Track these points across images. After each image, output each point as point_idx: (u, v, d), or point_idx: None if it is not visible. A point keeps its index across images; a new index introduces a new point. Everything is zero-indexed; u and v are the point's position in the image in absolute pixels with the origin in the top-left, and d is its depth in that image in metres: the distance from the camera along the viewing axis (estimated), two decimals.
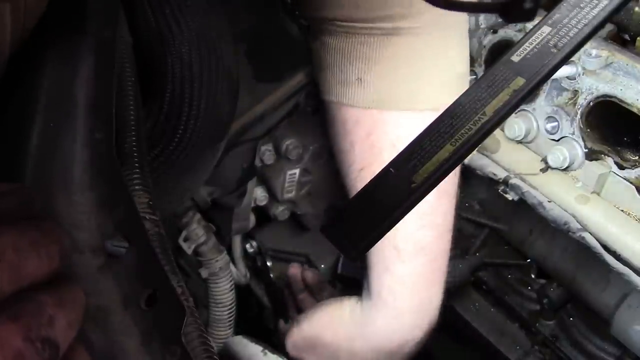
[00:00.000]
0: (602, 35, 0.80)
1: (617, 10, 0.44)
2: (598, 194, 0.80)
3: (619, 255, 0.76)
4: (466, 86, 0.76)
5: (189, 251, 0.97)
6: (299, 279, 1.10)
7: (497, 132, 0.87)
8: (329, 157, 0.98)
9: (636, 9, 0.78)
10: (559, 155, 0.80)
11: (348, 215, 0.48)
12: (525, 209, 0.86)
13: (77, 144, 0.47)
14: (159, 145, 0.68)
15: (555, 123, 0.82)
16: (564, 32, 0.45)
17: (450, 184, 0.83)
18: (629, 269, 0.75)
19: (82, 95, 0.49)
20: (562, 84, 0.79)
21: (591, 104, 0.77)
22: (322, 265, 1.12)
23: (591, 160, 0.79)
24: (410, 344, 0.86)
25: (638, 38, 0.78)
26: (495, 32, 0.88)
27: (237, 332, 1.02)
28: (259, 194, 1.02)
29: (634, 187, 0.76)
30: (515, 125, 0.85)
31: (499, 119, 0.45)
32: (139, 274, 0.46)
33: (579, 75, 0.77)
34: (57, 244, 0.38)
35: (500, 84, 0.46)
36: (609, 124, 0.79)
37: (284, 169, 0.99)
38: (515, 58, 0.46)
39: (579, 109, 0.78)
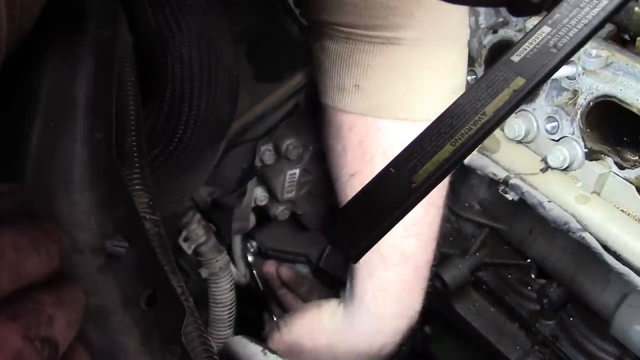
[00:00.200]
0: (602, 35, 0.79)
1: (617, 10, 0.44)
2: (598, 194, 0.80)
3: (619, 255, 0.76)
4: None
5: (189, 251, 0.97)
6: (274, 276, 1.11)
7: (497, 132, 0.87)
8: None
9: (636, 9, 0.78)
10: (559, 155, 0.80)
11: (348, 216, 0.48)
12: (525, 209, 0.86)
13: (77, 144, 0.47)
14: (159, 145, 0.68)
15: (555, 123, 0.82)
16: (564, 32, 0.45)
17: (438, 195, 0.84)
18: (629, 269, 0.75)
19: (82, 95, 0.49)
20: (562, 84, 0.79)
21: (591, 104, 0.77)
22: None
23: (591, 160, 0.79)
24: (389, 346, 0.88)
25: (638, 38, 0.78)
26: (495, 32, 0.88)
27: (237, 332, 1.02)
28: (259, 194, 1.02)
29: (634, 187, 0.76)
30: (515, 125, 0.85)
31: (499, 119, 0.45)
32: (139, 274, 0.46)
33: (579, 75, 0.77)
34: (57, 243, 0.38)
35: (500, 84, 0.46)
36: (609, 124, 0.79)
37: (284, 169, 0.99)
38: (515, 58, 0.46)
39: (579, 109, 0.78)
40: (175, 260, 0.51)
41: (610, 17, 0.44)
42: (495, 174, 0.88)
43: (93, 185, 0.47)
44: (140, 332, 0.44)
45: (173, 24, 0.65)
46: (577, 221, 0.79)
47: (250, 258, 1.14)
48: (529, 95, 0.46)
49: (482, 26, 0.90)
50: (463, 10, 0.81)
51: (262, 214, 1.07)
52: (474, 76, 0.93)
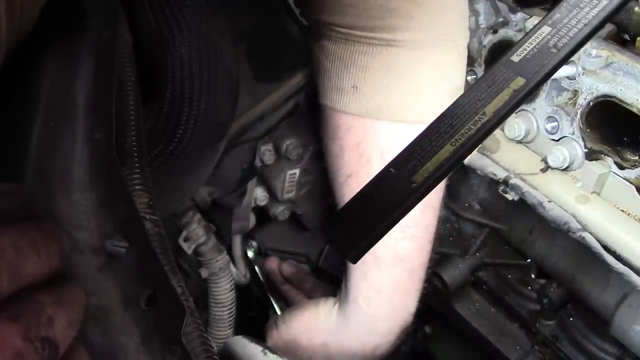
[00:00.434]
0: (602, 35, 0.79)
1: (617, 10, 0.44)
2: (598, 194, 0.80)
3: (619, 255, 0.76)
4: None
5: (189, 251, 0.97)
6: (277, 272, 1.11)
7: (497, 132, 0.87)
8: None
9: (636, 9, 0.78)
10: (559, 155, 0.80)
11: (347, 216, 0.48)
12: (525, 209, 0.86)
13: (77, 144, 0.47)
14: (159, 145, 0.68)
15: (555, 123, 0.82)
16: (564, 32, 0.45)
17: (434, 198, 0.84)
18: (629, 269, 0.75)
19: (82, 95, 0.49)
20: (562, 84, 0.79)
21: (591, 104, 0.77)
22: None
23: (591, 160, 0.79)
24: (383, 347, 0.88)
25: (638, 38, 0.78)
26: (495, 32, 0.88)
27: (237, 332, 1.02)
28: (259, 194, 1.02)
29: (634, 187, 0.76)
30: (515, 125, 0.85)
31: (499, 119, 0.45)
32: (139, 274, 0.46)
33: (579, 75, 0.77)
34: (57, 244, 0.38)
35: (500, 84, 0.46)
36: (609, 124, 0.79)
37: (284, 169, 0.99)
38: (515, 58, 0.46)
39: (579, 109, 0.78)
40: (175, 260, 0.51)
41: (610, 17, 0.44)
42: (495, 174, 0.88)
43: (93, 185, 0.47)
44: (141, 332, 0.44)
45: (173, 24, 0.65)
46: (577, 221, 0.79)
47: (250, 256, 1.15)
48: (529, 95, 0.46)
49: (482, 26, 0.90)
50: (462, 12, 0.81)
51: (262, 214, 1.07)
52: (474, 76, 0.93)
